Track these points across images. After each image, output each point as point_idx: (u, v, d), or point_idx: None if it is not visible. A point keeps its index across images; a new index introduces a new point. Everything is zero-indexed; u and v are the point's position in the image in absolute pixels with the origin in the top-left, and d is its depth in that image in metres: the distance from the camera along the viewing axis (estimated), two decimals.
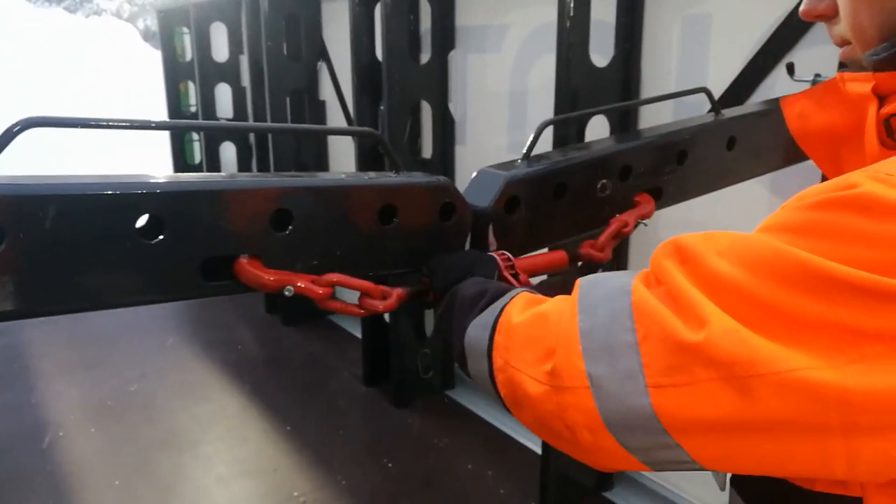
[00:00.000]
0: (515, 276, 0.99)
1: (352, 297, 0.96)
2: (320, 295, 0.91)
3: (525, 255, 1.06)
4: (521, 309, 0.72)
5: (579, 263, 1.15)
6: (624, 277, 0.61)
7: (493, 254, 1.00)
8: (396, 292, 0.96)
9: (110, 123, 0.81)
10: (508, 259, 1.00)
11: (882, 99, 0.64)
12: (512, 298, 0.76)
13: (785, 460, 0.50)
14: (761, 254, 0.50)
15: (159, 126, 0.89)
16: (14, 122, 0.73)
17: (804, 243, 0.48)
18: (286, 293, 0.89)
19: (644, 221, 1.23)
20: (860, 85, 0.65)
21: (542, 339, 0.65)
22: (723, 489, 0.80)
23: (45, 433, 3.16)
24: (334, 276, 0.91)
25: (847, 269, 0.45)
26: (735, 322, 0.49)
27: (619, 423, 0.56)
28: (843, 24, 0.67)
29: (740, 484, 0.71)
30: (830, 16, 0.69)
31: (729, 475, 0.73)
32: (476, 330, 0.77)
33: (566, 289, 0.73)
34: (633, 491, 2.66)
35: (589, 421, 0.58)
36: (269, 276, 0.88)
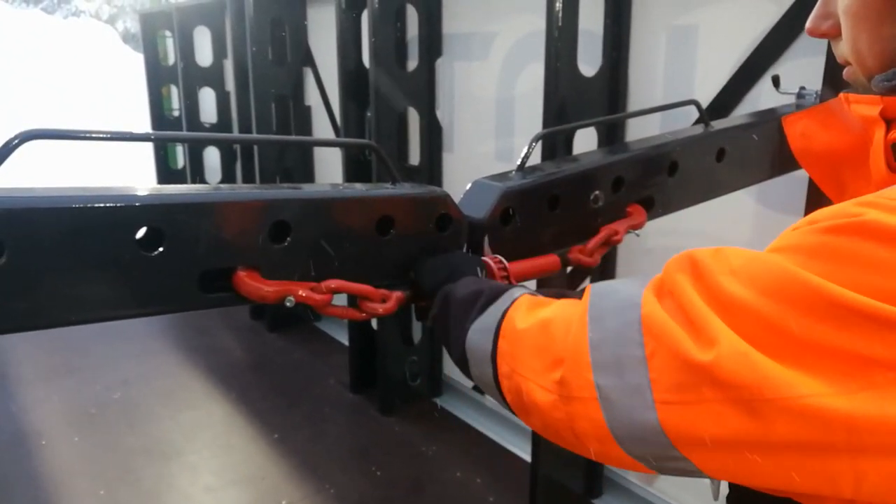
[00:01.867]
0: (507, 279, 1.00)
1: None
2: (320, 302, 0.91)
3: (517, 260, 1.07)
4: (526, 313, 0.72)
5: (569, 269, 1.16)
6: (635, 287, 0.61)
7: (487, 258, 1.01)
8: (396, 295, 0.97)
9: (109, 135, 0.82)
10: (502, 263, 1.01)
11: (889, 123, 0.64)
12: (514, 301, 0.76)
13: (792, 479, 0.50)
14: (774, 276, 0.50)
15: (159, 138, 0.89)
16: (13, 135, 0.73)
17: (816, 266, 0.48)
18: (287, 304, 0.89)
19: (636, 231, 1.24)
20: (866, 108, 0.65)
21: (549, 348, 0.65)
22: (716, 498, 0.81)
23: (26, 442, 3.12)
24: (333, 283, 0.92)
25: (858, 296, 0.45)
26: (745, 344, 0.49)
27: (626, 435, 0.56)
28: (845, 46, 0.67)
29: (740, 502, 0.71)
30: (834, 35, 0.69)
31: (725, 489, 0.74)
32: (477, 334, 0.76)
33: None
34: (622, 497, 2.67)
35: (597, 431, 0.58)
36: (269, 288, 0.88)
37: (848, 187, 0.77)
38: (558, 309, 0.69)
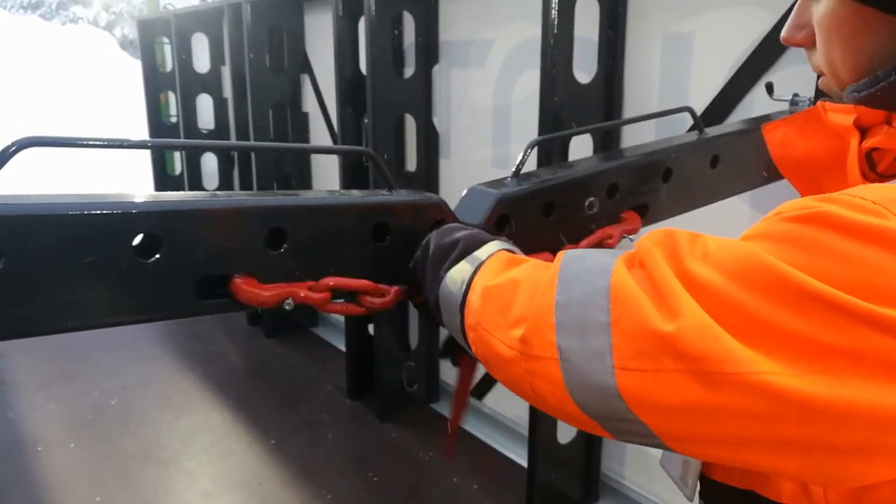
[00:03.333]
0: None
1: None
2: (320, 300, 0.92)
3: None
4: (497, 269, 0.74)
5: None
6: (607, 256, 0.62)
7: None
8: (394, 289, 0.98)
9: (106, 143, 0.82)
10: None
11: (863, 131, 0.65)
12: (490, 256, 0.78)
13: (742, 446, 0.51)
14: (741, 259, 0.51)
15: (156, 145, 0.90)
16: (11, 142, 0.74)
17: (781, 252, 0.50)
18: (286, 307, 0.89)
19: (630, 237, 1.25)
20: (842, 116, 0.66)
21: (514, 305, 0.66)
22: (690, 500, 0.82)
23: (23, 449, 3.11)
24: (331, 280, 0.93)
25: (818, 283, 0.47)
26: (709, 318, 0.50)
27: (583, 396, 0.58)
28: (819, 57, 0.68)
29: (709, 497, 0.73)
30: (808, 45, 0.70)
31: (697, 490, 0.75)
32: (450, 283, 0.79)
33: None
34: (619, 503, 2.67)
35: (555, 390, 0.60)
36: (267, 292, 0.88)
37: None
38: (529, 269, 0.70)
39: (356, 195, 1.01)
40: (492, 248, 0.80)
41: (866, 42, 0.62)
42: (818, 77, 0.72)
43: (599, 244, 1.19)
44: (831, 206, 0.49)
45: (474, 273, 0.76)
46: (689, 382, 0.50)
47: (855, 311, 0.45)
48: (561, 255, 0.66)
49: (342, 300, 0.96)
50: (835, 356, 0.46)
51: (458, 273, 0.78)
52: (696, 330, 0.50)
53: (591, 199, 1.18)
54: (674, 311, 0.51)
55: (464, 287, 0.76)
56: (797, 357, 0.47)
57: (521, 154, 1.14)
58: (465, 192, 1.11)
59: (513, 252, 0.81)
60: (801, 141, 0.81)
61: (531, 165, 1.19)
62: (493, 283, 0.72)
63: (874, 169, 0.63)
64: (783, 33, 0.73)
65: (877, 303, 0.45)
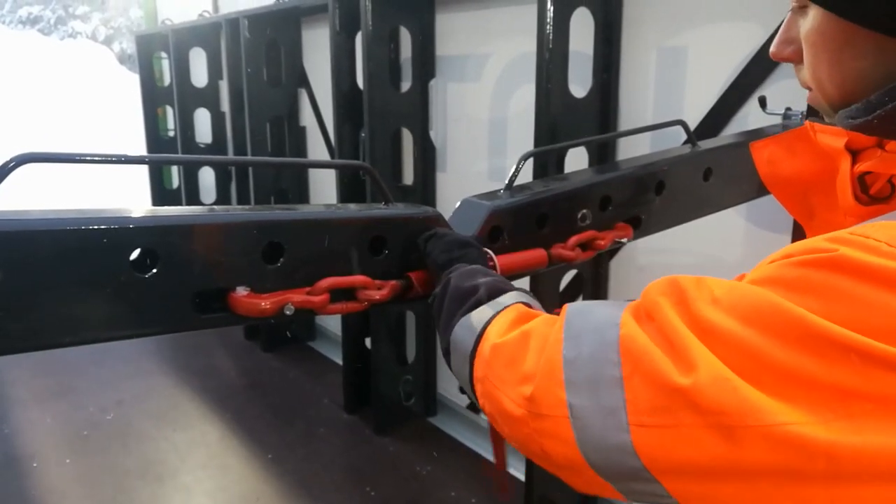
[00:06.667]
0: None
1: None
2: (319, 303, 0.93)
3: (505, 254, 1.08)
4: (510, 323, 0.73)
5: (563, 284, 1.16)
6: (613, 308, 0.61)
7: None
8: (390, 284, 0.99)
9: (104, 158, 0.83)
10: (492, 260, 1.03)
11: (855, 154, 0.64)
12: (504, 308, 0.76)
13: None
14: (756, 305, 0.50)
15: (153, 160, 0.91)
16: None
17: (797, 299, 0.48)
18: (287, 312, 0.90)
19: (622, 240, 1.25)
20: (832, 138, 0.65)
21: (522, 362, 0.65)
22: None
23: (18, 464, 3.09)
24: (326, 282, 0.93)
25: (838, 329, 0.46)
26: (726, 369, 0.48)
27: (597, 455, 0.56)
28: (806, 73, 0.68)
29: None
30: (796, 61, 0.70)
31: None
32: (463, 330, 0.77)
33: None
34: None
35: (566, 450, 0.58)
36: (266, 302, 0.89)
37: (816, 214, 0.78)
38: (539, 324, 0.69)
39: (353, 209, 1.02)
40: (510, 299, 0.78)
41: (852, 59, 0.62)
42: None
43: (589, 242, 1.19)
44: (846, 249, 0.48)
45: (488, 323, 0.75)
46: (709, 437, 0.48)
47: (877, 356, 0.44)
48: (566, 308, 0.65)
49: (342, 301, 0.97)
50: (859, 401, 0.45)
51: (472, 321, 0.77)
52: (713, 383, 0.48)
53: (584, 211, 1.19)
54: (689, 364, 0.50)
55: (476, 336, 0.75)
56: (821, 404, 0.45)
57: (514, 166, 1.15)
58: (458, 204, 1.12)
59: (530, 305, 0.79)
60: (790, 160, 0.80)
61: (528, 178, 1.20)
62: (503, 338, 0.70)
63: (867, 192, 0.63)
64: (772, 48, 0.73)
65: None
